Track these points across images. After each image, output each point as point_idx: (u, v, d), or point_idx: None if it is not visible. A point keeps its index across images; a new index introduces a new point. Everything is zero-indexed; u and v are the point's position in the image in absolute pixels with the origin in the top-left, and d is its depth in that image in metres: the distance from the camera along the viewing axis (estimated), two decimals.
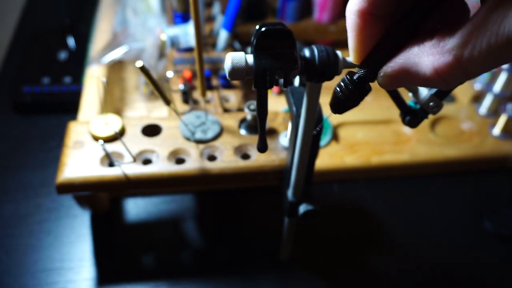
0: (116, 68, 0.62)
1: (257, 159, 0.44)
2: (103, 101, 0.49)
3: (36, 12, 0.82)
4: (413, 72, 0.22)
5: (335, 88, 0.26)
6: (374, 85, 0.25)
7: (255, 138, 0.46)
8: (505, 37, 0.18)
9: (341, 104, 0.25)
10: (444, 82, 0.21)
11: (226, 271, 0.48)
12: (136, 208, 0.53)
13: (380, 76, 0.23)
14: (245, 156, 0.45)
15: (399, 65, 0.23)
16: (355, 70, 0.25)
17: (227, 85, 0.56)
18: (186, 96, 0.53)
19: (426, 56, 0.21)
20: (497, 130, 0.58)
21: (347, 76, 0.25)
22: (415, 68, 0.22)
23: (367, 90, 0.25)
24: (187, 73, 0.54)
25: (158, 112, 0.58)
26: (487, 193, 0.57)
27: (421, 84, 0.22)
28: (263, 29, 0.27)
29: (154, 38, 0.57)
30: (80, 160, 0.43)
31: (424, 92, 0.33)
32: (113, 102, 0.58)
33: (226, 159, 0.44)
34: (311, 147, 0.36)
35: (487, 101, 0.60)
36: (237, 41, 0.62)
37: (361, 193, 0.56)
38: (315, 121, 0.35)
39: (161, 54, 0.57)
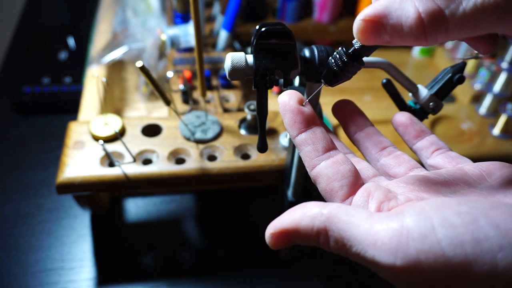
0: (116, 68, 0.62)
1: (257, 159, 0.44)
2: (103, 101, 0.49)
3: (36, 12, 0.82)
4: (394, 17, 0.20)
5: (330, 60, 0.26)
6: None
7: (255, 138, 0.46)
8: (492, 3, 0.19)
9: (334, 76, 0.25)
10: (423, 33, 0.20)
11: (226, 271, 0.48)
12: (136, 208, 0.53)
13: (358, 21, 0.21)
14: (245, 156, 0.45)
15: (379, 10, 0.21)
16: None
17: (227, 85, 0.56)
18: (186, 96, 0.53)
19: (411, 1, 0.20)
20: (497, 130, 0.58)
21: (343, 49, 0.25)
22: (397, 12, 0.20)
23: (361, 64, 0.25)
24: (187, 73, 0.54)
25: (158, 112, 0.58)
26: None
27: (398, 35, 0.21)
28: (263, 29, 0.27)
29: (154, 38, 0.57)
30: (81, 160, 0.43)
31: (424, 92, 0.33)
32: (113, 102, 0.58)
33: (226, 159, 0.44)
34: None
35: (487, 101, 0.60)
36: (237, 41, 0.62)
37: None
38: None
39: (161, 54, 0.57)
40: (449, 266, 0.18)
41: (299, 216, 0.22)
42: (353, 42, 0.25)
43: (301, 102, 0.25)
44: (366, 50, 0.25)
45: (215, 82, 0.56)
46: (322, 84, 0.25)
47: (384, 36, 0.21)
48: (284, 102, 0.25)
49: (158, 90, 0.39)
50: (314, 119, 0.25)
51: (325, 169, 0.24)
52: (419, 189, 0.24)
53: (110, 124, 0.45)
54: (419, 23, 0.20)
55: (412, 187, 0.24)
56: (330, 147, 0.25)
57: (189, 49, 0.59)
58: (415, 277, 0.19)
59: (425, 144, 0.30)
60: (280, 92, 0.62)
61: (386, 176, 0.28)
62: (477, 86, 0.62)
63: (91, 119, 0.46)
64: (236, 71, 0.27)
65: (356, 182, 0.24)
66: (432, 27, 0.20)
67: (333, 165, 0.24)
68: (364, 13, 0.21)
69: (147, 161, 0.44)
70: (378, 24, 0.21)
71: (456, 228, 0.19)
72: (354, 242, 0.20)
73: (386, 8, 0.21)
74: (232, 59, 0.27)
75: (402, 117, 0.30)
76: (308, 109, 0.25)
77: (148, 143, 0.45)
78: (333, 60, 0.25)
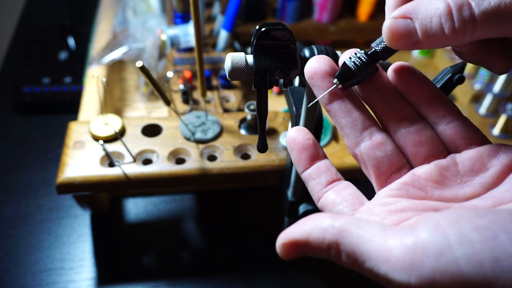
0: (116, 68, 0.62)
1: (257, 159, 0.44)
2: (103, 101, 0.49)
3: (36, 12, 0.82)
4: (424, 11, 0.21)
5: (347, 60, 0.25)
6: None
7: (255, 138, 0.46)
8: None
9: (350, 75, 0.24)
10: (452, 26, 0.20)
11: (226, 271, 0.48)
12: (136, 208, 0.53)
13: (388, 20, 0.22)
14: (245, 156, 0.45)
15: (409, 7, 0.21)
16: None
17: (227, 85, 0.56)
18: (186, 96, 0.53)
19: None
20: (496, 130, 0.58)
21: (363, 50, 0.25)
22: (427, 6, 0.21)
23: (376, 68, 0.25)
24: (187, 73, 0.54)
25: (158, 112, 0.58)
26: None
27: (428, 31, 0.21)
28: (263, 29, 0.27)
29: (154, 38, 0.57)
30: (81, 160, 0.43)
31: None
32: (113, 102, 0.58)
33: (226, 159, 0.44)
34: None
35: (487, 101, 0.60)
36: (237, 41, 0.62)
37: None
38: (315, 121, 0.35)
39: (161, 54, 0.57)
40: (467, 286, 0.17)
41: (310, 227, 0.22)
42: (372, 44, 0.24)
43: (308, 138, 0.26)
44: (386, 53, 0.24)
45: (215, 82, 0.56)
46: (335, 85, 0.25)
47: (414, 35, 0.21)
48: (291, 139, 0.26)
49: (158, 90, 0.39)
50: (317, 154, 0.26)
51: (328, 198, 0.25)
52: (431, 192, 0.23)
53: (110, 124, 0.45)
54: (448, 13, 0.20)
55: (423, 190, 0.24)
56: (334, 179, 0.26)
57: (189, 49, 0.59)
58: None
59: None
60: (280, 92, 0.62)
61: None
62: (477, 86, 0.62)
63: (91, 119, 0.46)
64: (236, 71, 0.27)
65: (358, 203, 0.25)
66: (461, 19, 0.20)
67: (335, 193, 0.25)
68: (393, 13, 0.22)
69: (147, 161, 0.44)
70: (408, 21, 0.21)
71: (474, 245, 0.18)
72: (366, 257, 0.20)
73: (415, 6, 0.21)
74: (232, 59, 0.27)
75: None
76: (313, 144, 0.26)
77: (148, 143, 0.45)
78: (351, 60, 0.24)
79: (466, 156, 0.24)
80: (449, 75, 0.33)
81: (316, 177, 0.26)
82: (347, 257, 0.20)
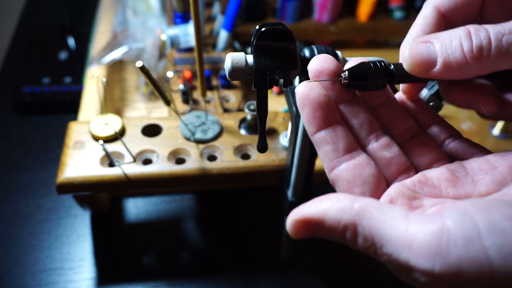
0: (116, 68, 0.62)
1: (257, 159, 0.44)
2: (103, 101, 0.49)
3: (36, 12, 0.82)
4: (445, 35, 0.22)
5: (367, 61, 0.24)
6: None
7: (255, 138, 0.46)
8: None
9: (362, 76, 0.23)
10: (470, 50, 0.21)
11: (226, 271, 0.48)
12: (136, 208, 0.53)
13: (409, 45, 0.23)
14: (245, 156, 0.45)
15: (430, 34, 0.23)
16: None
17: (227, 85, 0.56)
18: (186, 96, 0.53)
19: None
20: (496, 130, 0.58)
21: (384, 62, 0.24)
22: (449, 31, 0.22)
23: (384, 85, 0.24)
24: (187, 73, 0.54)
25: (158, 112, 0.58)
26: None
27: (445, 51, 0.22)
28: (263, 29, 0.27)
29: (154, 38, 0.57)
30: (81, 160, 0.43)
31: (424, 92, 0.33)
32: (113, 102, 0.58)
33: (226, 159, 0.44)
34: (311, 147, 0.37)
35: None
36: (237, 41, 0.62)
37: None
38: None
39: (161, 54, 0.57)
40: (496, 278, 0.17)
41: (327, 207, 0.20)
42: (389, 66, 0.24)
43: (324, 94, 0.23)
44: (399, 78, 0.24)
45: (215, 82, 0.56)
46: (344, 76, 0.23)
47: (433, 57, 0.22)
48: (303, 95, 0.23)
49: (158, 90, 0.39)
50: (336, 116, 0.23)
51: (346, 172, 0.22)
52: (445, 191, 0.23)
53: (110, 124, 0.45)
54: (467, 33, 0.21)
55: (437, 189, 0.23)
56: (353, 147, 0.23)
57: (189, 49, 0.59)
58: (455, 286, 0.17)
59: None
60: (280, 92, 0.62)
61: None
62: None
63: (91, 119, 0.46)
64: (236, 71, 0.27)
65: (378, 188, 0.23)
66: (478, 38, 0.21)
67: (355, 168, 0.22)
68: (416, 39, 0.23)
69: (147, 161, 0.44)
70: (428, 44, 0.22)
71: (506, 235, 0.17)
72: (386, 242, 0.18)
73: (437, 33, 0.23)
74: (232, 59, 0.27)
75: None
76: (329, 103, 0.23)
77: (148, 143, 0.45)
78: (371, 64, 0.24)
79: (473, 161, 0.24)
80: None
81: (332, 141, 0.23)
82: (364, 241, 0.19)
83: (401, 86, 0.28)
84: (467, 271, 0.17)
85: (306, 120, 0.23)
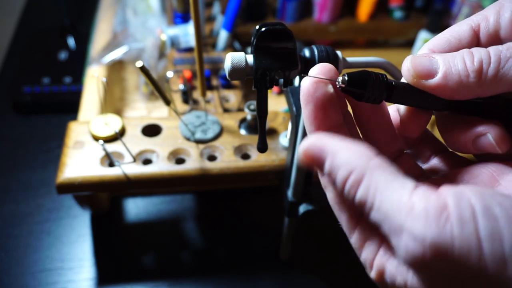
0: (116, 68, 0.62)
1: (257, 159, 0.44)
2: (103, 101, 0.49)
3: (36, 12, 0.82)
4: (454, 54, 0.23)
5: (370, 71, 0.23)
6: None
7: (255, 138, 0.46)
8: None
9: (362, 82, 0.22)
10: (472, 56, 0.22)
11: (226, 271, 0.48)
12: (136, 208, 0.53)
13: (408, 59, 0.23)
14: (245, 156, 0.45)
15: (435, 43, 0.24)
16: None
17: (227, 85, 0.56)
18: (186, 96, 0.53)
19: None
20: None
21: (385, 75, 0.23)
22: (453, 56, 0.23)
23: (381, 100, 0.23)
24: (187, 73, 0.54)
25: (158, 112, 0.58)
26: None
27: (447, 62, 0.22)
28: (263, 29, 0.27)
29: (154, 38, 0.57)
30: (80, 160, 0.43)
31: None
32: (113, 102, 0.58)
33: (226, 159, 0.44)
34: None
35: None
36: (237, 41, 0.62)
37: None
38: None
39: (161, 54, 0.57)
40: (482, 262, 0.17)
41: (350, 144, 0.20)
42: (390, 79, 0.23)
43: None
44: (398, 94, 0.23)
45: (215, 82, 0.56)
46: (341, 77, 0.22)
47: (435, 69, 0.22)
48: (308, 91, 0.22)
49: (158, 90, 0.39)
50: (337, 121, 0.23)
51: None
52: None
53: (110, 124, 0.45)
54: (470, 51, 0.22)
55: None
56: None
57: (189, 49, 0.59)
58: (443, 264, 0.17)
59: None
60: (280, 92, 0.62)
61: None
62: None
63: (91, 119, 0.46)
64: (236, 71, 0.27)
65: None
66: (479, 54, 0.22)
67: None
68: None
69: (147, 161, 0.44)
70: (431, 57, 0.23)
71: (497, 221, 0.17)
72: (384, 201, 0.18)
73: (441, 51, 0.24)
74: (232, 59, 0.27)
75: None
76: (334, 105, 0.22)
77: (148, 143, 0.45)
78: (373, 74, 0.23)
79: (456, 171, 0.25)
80: None
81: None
82: (365, 192, 0.19)
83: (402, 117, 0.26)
84: (457, 251, 0.17)
85: (306, 118, 0.22)
